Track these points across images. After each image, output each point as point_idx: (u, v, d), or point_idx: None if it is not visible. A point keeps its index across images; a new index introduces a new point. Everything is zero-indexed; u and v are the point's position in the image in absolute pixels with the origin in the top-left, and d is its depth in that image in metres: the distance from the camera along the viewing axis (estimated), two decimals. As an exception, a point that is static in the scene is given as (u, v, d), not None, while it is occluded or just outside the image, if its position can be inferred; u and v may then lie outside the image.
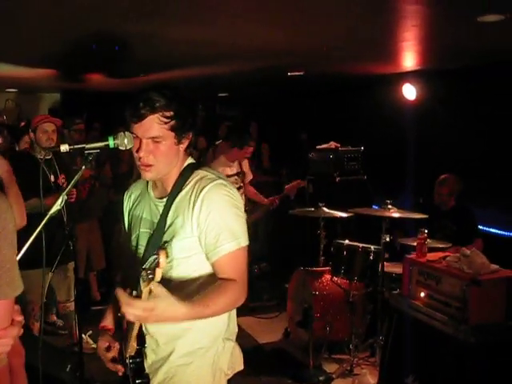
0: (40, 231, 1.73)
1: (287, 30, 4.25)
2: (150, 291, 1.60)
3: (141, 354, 1.95)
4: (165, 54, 5.28)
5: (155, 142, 1.87)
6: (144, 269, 1.61)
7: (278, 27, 4.12)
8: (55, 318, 5.23)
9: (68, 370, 4.26)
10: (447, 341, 3.17)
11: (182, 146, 1.96)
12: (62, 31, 4.21)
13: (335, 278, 4.82)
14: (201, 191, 1.91)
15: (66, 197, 1.78)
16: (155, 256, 1.58)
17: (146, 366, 2.00)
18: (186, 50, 5.08)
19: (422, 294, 3.47)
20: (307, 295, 4.80)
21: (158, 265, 1.55)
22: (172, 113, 1.86)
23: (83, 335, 4.21)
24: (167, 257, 1.57)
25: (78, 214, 4.53)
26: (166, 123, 1.85)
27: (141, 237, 2.07)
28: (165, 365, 2.00)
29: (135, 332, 1.83)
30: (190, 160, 2.05)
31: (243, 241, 1.93)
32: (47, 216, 1.77)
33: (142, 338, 1.94)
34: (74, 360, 4.26)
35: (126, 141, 1.83)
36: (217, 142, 7.12)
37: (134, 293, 1.69)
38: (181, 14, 3.68)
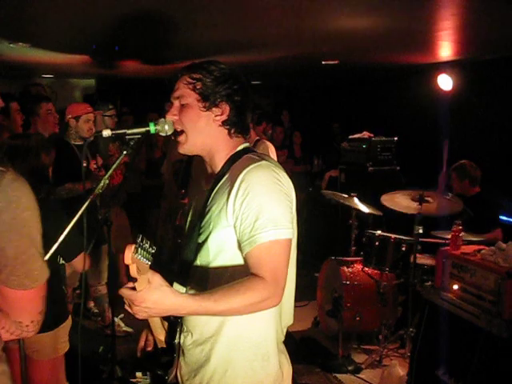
0: (81, 215, 1.75)
1: (323, 19, 4.22)
2: (149, 281, 1.48)
3: (173, 349, 1.85)
4: (198, 41, 5.29)
5: (182, 105, 1.82)
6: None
7: (313, 15, 4.09)
8: (92, 304, 5.33)
9: (100, 351, 4.35)
10: (480, 335, 3.13)
11: (216, 118, 1.81)
12: (99, 16, 4.24)
13: (366, 269, 4.80)
14: (240, 174, 1.71)
15: (107, 181, 1.80)
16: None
17: (182, 364, 1.89)
18: (221, 37, 5.08)
19: (455, 287, 3.43)
20: (338, 285, 4.79)
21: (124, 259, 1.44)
22: (200, 75, 1.80)
23: (115, 318, 4.29)
24: (136, 252, 1.41)
25: (111, 199, 4.60)
26: (189, 83, 1.80)
27: (190, 225, 1.97)
28: (202, 369, 1.82)
29: (155, 325, 1.76)
30: (244, 145, 1.89)
31: (285, 232, 1.67)
32: (88, 200, 1.79)
33: (174, 333, 1.84)
34: (106, 342, 4.36)
35: (166, 127, 1.81)
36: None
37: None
38: (216, 1, 3.69)
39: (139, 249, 1.43)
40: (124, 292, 1.51)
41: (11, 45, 5.49)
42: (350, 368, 4.39)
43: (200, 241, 1.81)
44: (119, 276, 6.23)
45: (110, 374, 4.04)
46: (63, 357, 2.86)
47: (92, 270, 4.76)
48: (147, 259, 1.45)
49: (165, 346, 1.85)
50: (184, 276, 1.82)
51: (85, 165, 4.46)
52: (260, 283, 1.60)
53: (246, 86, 1.88)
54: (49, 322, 2.26)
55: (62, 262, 2.90)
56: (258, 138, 6.19)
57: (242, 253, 1.70)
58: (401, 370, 4.00)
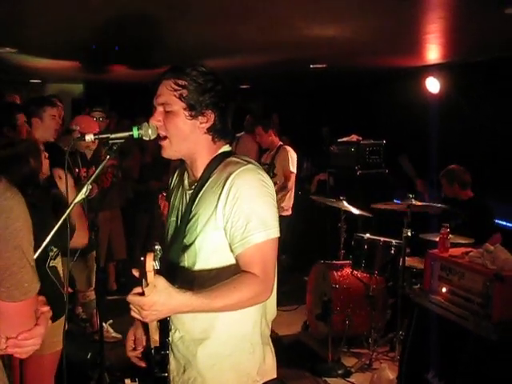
0: (65, 220, 1.74)
1: (311, 23, 4.22)
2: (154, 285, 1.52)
3: (166, 346, 1.86)
4: (187, 46, 5.28)
5: (166, 111, 1.82)
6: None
7: (301, 20, 4.10)
8: (80, 310, 5.29)
9: (88, 357, 4.31)
10: (468, 337, 3.13)
11: (201, 126, 1.84)
12: (87, 20, 4.22)
13: (355, 272, 4.81)
14: (228, 177, 1.77)
15: (90, 186, 1.78)
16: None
17: (172, 359, 1.92)
18: (209, 42, 5.07)
19: (444, 290, 3.43)
20: (327, 288, 4.79)
21: (144, 268, 1.48)
22: (185, 82, 1.80)
23: (104, 324, 4.25)
24: (154, 260, 1.49)
25: (100, 204, 4.56)
26: (175, 90, 1.79)
27: (170, 226, 2.00)
28: (188, 365, 1.89)
29: (152, 327, 1.78)
30: (225, 148, 1.93)
31: (274, 232, 1.77)
32: (71, 206, 1.78)
33: (165, 330, 1.85)
34: (94, 348, 4.32)
35: (150, 131, 1.81)
36: (238, 134, 7.13)
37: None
38: (205, 6, 3.68)
39: (155, 256, 1.52)
40: (133, 299, 1.55)
41: (-2, 50, 5.46)
42: (339, 372, 4.38)
43: (186, 242, 1.85)
44: (108, 282, 6.21)
45: (99, 380, 4.00)
46: (58, 353, 2.82)
47: (80, 276, 4.72)
48: (158, 264, 1.54)
49: (158, 344, 1.86)
50: (170, 277, 1.82)
51: (76, 172, 4.43)
52: (254, 279, 1.70)
53: (229, 91, 1.90)
54: None
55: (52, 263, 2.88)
56: (281, 143, 6.28)
57: (232, 253, 1.78)
58: (390, 374, 4.00)
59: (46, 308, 1.43)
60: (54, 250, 2.80)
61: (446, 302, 3.39)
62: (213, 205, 1.78)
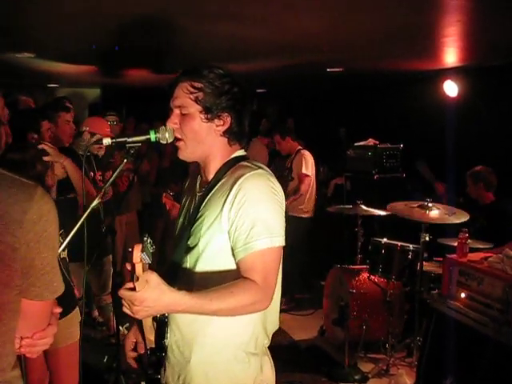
0: (82, 224, 1.75)
1: (328, 26, 4.21)
2: (146, 280, 1.49)
3: (161, 348, 1.86)
4: (205, 50, 5.29)
5: (182, 114, 1.82)
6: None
7: (318, 22, 4.08)
8: (97, 313, 5.31)
9: (105, 361, 4.33)
10: (488, 343, 3.09)
11: (217, 129, 1.83)
12: (106, 25, 4.25)
13: (372, 277, 4.78)
14: (237, 180, 1.75)
15: (107, 190, 1.79)
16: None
17: (166, 363, 1.90)
18: (225, 46, 5.08)
19: (463, 295, 3.39)
20: (344, 293, 4.76)
21: (131, 259, 1.47)
22: (201, 85, 1.79)
23: (120, 327, 4.26)
24: (143, 251, 1.48)
25: (116, 207, 4.58)
26: (191, 93, 1.79)
27: (179, 226, 2.00)
28: (183, 370, 1.85)
29: (147, 324, 1.76)
30: (239, 153, 1.91)
31: (279, 240, 1.72)
32: (88, 209, 1.79)
33: (162, 332, 1.84)
34: (110, 351, 4.34)
35: (167, 134, 1.81)
36: (253, 139, 7.16)
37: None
38: (222, 10, 3.68)
39: (145, 248, 1.49)
40: (124, 293, 1.52)
41: (16, 54, 5.51)
42: (356, 377, 4.35)
43: (189, 244, 1.84)
44: (124, 285, 6.23)
45: (115, 383, 4.01)
46: (77, 343, 2.87)
47: (96, 280, 4.74)
48: (149, 258, 1.51)
49: (154, 345, 1.86)
50: (172, 277, 1.81)
51: (91, 176, 4.46)
52: (253, 286, 1.65)
53: (246, 94, 1.89)
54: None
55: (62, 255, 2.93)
56: (299, 148, 6.31)
57: (234, 258, 1.74)
58: (408, 380, 3.97)
59: (59, 309, 1.47)
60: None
61: (465, 307, 3.35)
62: (219, 208, 1.76)
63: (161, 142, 1.82)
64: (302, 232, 5.77)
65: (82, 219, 1.75)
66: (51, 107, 4.27)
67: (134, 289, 1.50)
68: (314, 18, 3.96)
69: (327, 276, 5.18)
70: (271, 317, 1.91)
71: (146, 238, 1.54)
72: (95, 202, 1.78)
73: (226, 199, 1.74)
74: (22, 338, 1.34)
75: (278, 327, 1.98)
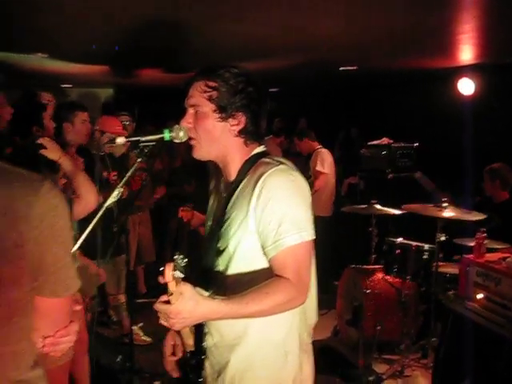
0: (96, 224, 1.73)
1: (342, 24, 4.18)
2: (181, 293, 1.50)
3: (201, 351, 1.86)
4: (218, 49, 5.28)
5: (197, 113, 1.80)
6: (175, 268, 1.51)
7: (333, 20, 4.05)
8: (112, 312, 5.32)
9: (118, 360, 4.32)
10: (505, 345, 3.05)
11: (232, 128, 1.81)
12: (118, 24, 4.24)
13: (387, 277, 4.73)
14: (259, 178, 1.73)
15: (121, 189, 1.77)
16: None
17: (207, 365, 1.90)
18: (240, 45, 5.06)
19: (480, 296, 3.34)
20: (358, 293, 4.72)
21: (164, 277, 1.47)
22: (216, 84, 1.77)
23: (134, 327, 4.26)
24: (175, 269, 1.47)
25: (129, 207, 4.58)
26: (205, 92, 1.77)
27: (207, 229, 1.99)
28: (223, 371, 1.85)
29: (186, 330, 1.77)
30: (258, 149, 1.88)
31: (308, 234, 1.72)
32: (103, 208, 1.77)
33: (201, 335, 1.84)
34: (124, 351, 4.33)
35: (181, 134, 1.80)
36: (266, 138, 7.14)
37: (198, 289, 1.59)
38: (236, 8, 3.66)
39: (177, 266, 1.49)
40: (159, 307, 1.54)
41: (30, 55, 5.53)
42: (370, 378, 4.30)
43: (220, 247, 1.82)
44: (138, 284, 6.24)
45: (128, 383, 4.01)
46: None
47: (110, 279, 4.74)
48: (181, 272, 1.50)
49: (193, 349, 1.86)
50: (205, 281, 1.82)
51: (105, 176, 4.46)
52: (286, 284, 1.65)
53: (262, 93, 1.86)
54: None
55: None
56: (318, 147, 6.34)
57: (265, 257, 1.73)
58: (423, 381, 3.93)
59: (79, 307, 1.45)
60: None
61: (482, 308, 3.30)
62: (245, 208, 1.74)
63: (175, 141, 1.81)
64: (319, 231, 5.72)
65: (96, 218, 1.74)
66: (66, 107, 4.28)
67: (168, 302, 1.51)
68: (328, 17, 3.94)
69: (341, 276, 5.14)
70: (310, 310, 1.90)
71: (176, 256, 1.53)
72: (110, 202, 1.76)
73: (250, 198, 1.73)
74: (44, 337, 1.33)
75: (316, 319, 1.97)
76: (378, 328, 4.55)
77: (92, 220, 1.78)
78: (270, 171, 1.73)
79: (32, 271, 1.19)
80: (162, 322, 1.56)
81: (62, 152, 2.85)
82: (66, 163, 2.83)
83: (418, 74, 7.25)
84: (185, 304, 1.49)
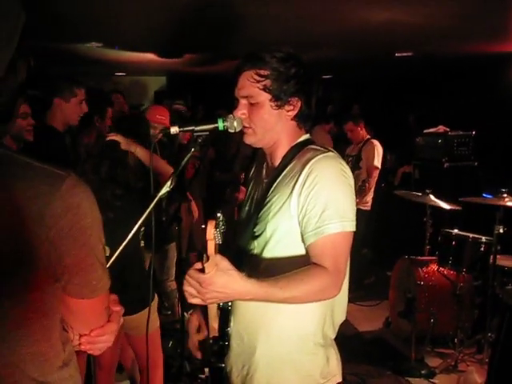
0: (150, 212, 1.74)
1: (400, 9, 4.08)
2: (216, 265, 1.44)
3: (225, 337, 1.82)
4: (272, 35, 5.24)
5: (250, 103, 1.77)
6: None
7: (392, 5, 3.96)
8: (164, 299, 5.40)
9: (169, 346, 4.39)
10: None
11: (288, 114, 1.78)
12: (171, 14, 4.27)
13: (442, 269, 4.61)
14: (306, 164, 1.70)
15: (175, 179, 1.77)
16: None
17: (230, 352, 1.86)
18: (291, 34, 5.02)
19: (541, 291, 3.22)
20: (411, 285, 4.63)
21: (205, 236, 1.41)
22: (267, 72, 1.73)
23: (185, 313, 4.30)
24: (216, 228, 1.42)
25: (182, 195, 4.61)
26: (257, 81, 1.73)
27: (242, 214, 1.97)
28: (248, 360, 1.82)
29: (213, 311, 1.73)
30: (304, 137, 1.86)
31: (350, 225, 1.67)
32: (157, 197, 1.77)
33: (226, 320, 1.81)
34: (175, 337, 4.39)
35: (235, 123, 1.78)
36: (315, 127, 7.06)
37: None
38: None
39: (218, 225, 1.44)
40: (192, 274, 1.49)
41: (85, 44, 5.64)
42: (423, 372, 4.22)
43: (257, 230, 1.80)
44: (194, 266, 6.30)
45: (179, 369, 4.06)
46: (158, 329, 3.21)
47: (161, 266, 4.81)
48: (220, 238, 1.47)
49: (217, 333, 1.82)
50: (239, 264, 1.78)
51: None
52: (322, 272, 1.61)
53: (312, 74, 1.83)
54: (139, 304, 2.80)
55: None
56: (368, 137, 6.26)
57: (303, 243, 1.70)
58: (478, 377, 3.82)
59: (118, 308, 1.41)
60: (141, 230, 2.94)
61: (543, 304, 3.18)
62: (287, 192, 1.72)
63: (229, 130, 1.79)
64: (362, 225, 5.64)
65: (150, 207, 1.74)
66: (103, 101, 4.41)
67: (202, 270, 1.46)
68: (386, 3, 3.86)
69: (394, 266, 5.05)
70: (339, 307, 1.86)
71: (219, 215, 1.48)
72: (164, 191, 1.76)
73: (295, 183, 1.70)
74: (80, 336, 1.32)
75: (344, 318, 1.93)
76: (432, 321, 4.46)
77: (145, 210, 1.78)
78: (318, 157, 1.70)
79: (50, 273, 1.14)
80: (190, 294, 1.51)
81: (134, 143, 2.95)
82: (141, 152, 2.93)
83: (477, 60, 7.03)
84: (219, 277, 1.45)
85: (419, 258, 4.89)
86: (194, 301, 1.54)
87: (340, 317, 1.90)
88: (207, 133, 1.78)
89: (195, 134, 1.78)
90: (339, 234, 1.65)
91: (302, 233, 1.70)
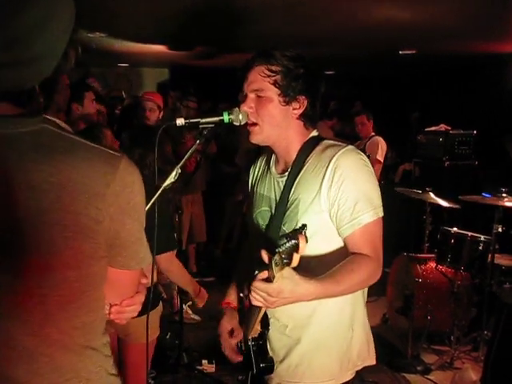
0: (153, 204, 1.75)
1: (405, 7, 4.08)
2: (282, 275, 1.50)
3: (263, 336, 1.88)
4: (274, 31, 5.25)
5: (259, 97, 1.80)
6: (278, 252, 1.46)
7: (396, 3, 3.97)
8: (163, 290, 5.41)
9: (168, 337, 4.41)
10: None
11: (294, 112, 1.83)
12: (176, 5, 4.27)
13: (440, 267, 4.63)
14: (330, 160, 1.76)
15: (179, 170, 1.79)
16: (291, 240, 1.45)
17: (269, 349, 1.92)
18: (296, 31, 5.02)
19: (538, 291, 3.25)
20: (409, 282, 4.65)
21: (296, 250, 1.43)
22: (278, 68, 1.77)
23: (183, 305, 4.32)
24: (307, 242, 1.45)
25: (184, 188, 4.63)
26: (269, 76, 1.77)
27: (261, 215, 1.98)
28: (291, 352, 1.90)
29: (260, 315, 1.75)
30: (314, 133, 1.91)
31: (380, 211, 1.78)
32: (161, 189, 1.79)
33: (265, 320, 1.86)
34: (173, 329, 4.41)
35: (240, 116, 1.80)
36: (319, 122, 7.08)
37: (256, 272, 1.58)
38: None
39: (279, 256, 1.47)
40: (259, 285, 1.54)
41: (89, 34, 5.63)
42: (418, 368, 4.25)
43: (287, 228, 1.83)
44: (189, 264, 6.32)
45: (177, 360, 4.08)
46: (154, 341, 2.92)
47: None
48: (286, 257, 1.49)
49: (256, 335, 1.89)
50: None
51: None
52: (367, 260, 1.72)
53: (318, 76, 1.90)
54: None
55: None
56: (373, 133, 6.31)
57: (340, 236, 1.78)
58: (473, 375, 3.84)
59: (146, 280, 1.48)
60: None
61: (540, 303, 3.20)
62: (315, 188, 1.78)
63: (234, 123, 1.82)
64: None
65: (154, 198, 1.76)
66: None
67: (267, 280, 1.52)
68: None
69: (393, 263, 5.06)
70: (366, 290, 1.97)
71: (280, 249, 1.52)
72: (168, 182, 1.78)
73: (323, 179, 1.76)
74: (110, 305, 1.37)
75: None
76: (429, 318, 4.48)
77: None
78: (340, 152, 1.77)
79: (107, 246, 1.22)
80: (256, 302, 1.57)
81: None
82: None
83: (479, 59, 7.04)
84: (287, 284, 1.51)
85: (418, 255, 4.92)
86: (259, 304, 1.60)
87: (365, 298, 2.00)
88: (213, 125, 1.81)
89: (200, 126, 1.80)
90: (374, 221, 1.75)
91: (336, 226, 1.78)
